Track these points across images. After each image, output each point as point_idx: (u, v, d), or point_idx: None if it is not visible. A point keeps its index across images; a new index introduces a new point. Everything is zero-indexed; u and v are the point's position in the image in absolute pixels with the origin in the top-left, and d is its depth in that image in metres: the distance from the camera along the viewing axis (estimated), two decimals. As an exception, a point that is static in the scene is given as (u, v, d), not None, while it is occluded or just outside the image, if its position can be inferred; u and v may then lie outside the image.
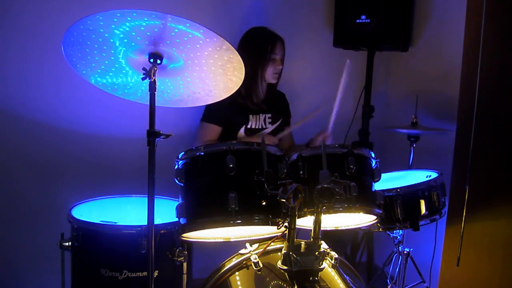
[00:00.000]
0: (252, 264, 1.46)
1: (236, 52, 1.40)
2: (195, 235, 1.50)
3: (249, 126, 2.30)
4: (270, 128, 2.38)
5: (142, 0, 1.99)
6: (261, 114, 2.34)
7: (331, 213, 1.42)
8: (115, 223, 1.73)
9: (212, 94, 1.61)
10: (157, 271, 1.64)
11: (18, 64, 2.29)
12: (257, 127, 2.33)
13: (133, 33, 1.35)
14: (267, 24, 2.39)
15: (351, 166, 1.45)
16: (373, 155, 1.57)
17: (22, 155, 2.35)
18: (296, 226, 1.35)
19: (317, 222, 1.33)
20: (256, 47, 2.26)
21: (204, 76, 1.53)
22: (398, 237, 2.16)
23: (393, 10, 2.49)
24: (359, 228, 1.80)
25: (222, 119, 2.25)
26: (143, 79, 1.41)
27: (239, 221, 1.36)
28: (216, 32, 1.33)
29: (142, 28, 1.33)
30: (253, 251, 1.53)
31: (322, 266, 1.36)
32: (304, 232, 1.55)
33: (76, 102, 2.39)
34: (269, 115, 2.37)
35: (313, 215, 1.33)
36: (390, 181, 2.19)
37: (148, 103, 1.42)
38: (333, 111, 2.14)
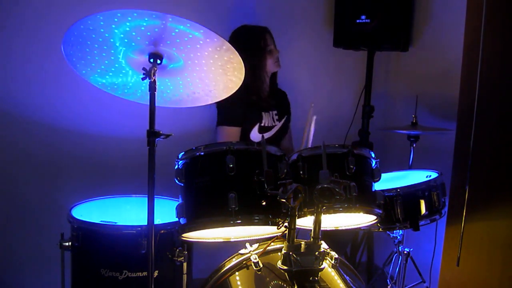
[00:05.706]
0: (252, 264, 1.46)
1: (236, 52, 1.40)
2: (195, 235, 1.50)
3: (262, 124, 2.32)
4: (278, 125, 2.40)
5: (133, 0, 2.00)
6: (270, 111, 2.37)
7: (331, 213, 1.42)
8: (115, 223, 1.73)
9: (212, 94, 1.61)
10: (157, 271, 1.64)
11: (18, 64, 2.29)
12: (269, 124, 2.36)
13: (133, 33, 1.35)
14: (267, 24, 2.39)
15: (351, 166, 1.45)
16: (373, 155, 1.56)
17: (22, 155, 2.35)
18: (296, 226, 1.35)
19: (317, 222, 1.33)
20: (250, 45, 2.29)
21: (204, 76, 1.53)
22: (398, 237, 2.15)
23: (393, 10, 2.50)
24: (359, 228, 1.80)
25: (240, 119, 2.26)
26: (143, 79, 1.41)
27: (239, 221, 1.35)
28: (216, 33, 1.33)
29: (143, 28, 1.33)
30: (253, 251, 1.53)
31: (322, 266, 1.36)
32: (304, 232, 1.55)
33: (76, 102, 2.39)
34: (275, 111, 2.40)
35: (313, 215, 1.33)
36: (390, 181, 2.19)
37: (148, 103, 1.42)
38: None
